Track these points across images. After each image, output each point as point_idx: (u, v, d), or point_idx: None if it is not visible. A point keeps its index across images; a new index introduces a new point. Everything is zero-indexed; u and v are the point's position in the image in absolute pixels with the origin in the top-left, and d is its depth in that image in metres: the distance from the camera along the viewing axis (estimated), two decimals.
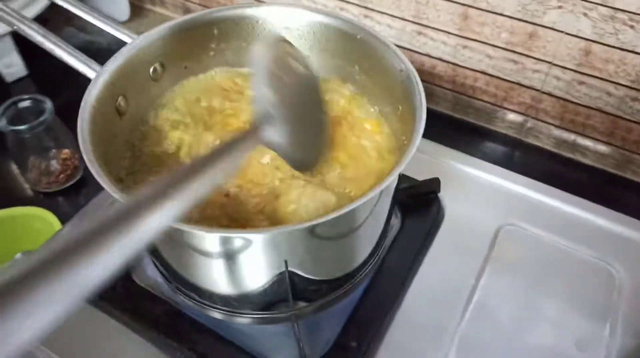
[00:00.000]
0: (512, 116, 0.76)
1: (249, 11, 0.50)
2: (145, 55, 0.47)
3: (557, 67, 0.68)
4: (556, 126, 0.73)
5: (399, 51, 0.45)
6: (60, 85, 0.77)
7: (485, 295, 0.52)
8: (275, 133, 0.36)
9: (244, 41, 0.51)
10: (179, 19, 0.48)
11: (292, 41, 0.51)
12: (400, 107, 0.46)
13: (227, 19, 0.49)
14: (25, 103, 0.70)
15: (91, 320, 0.50)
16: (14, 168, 0.73)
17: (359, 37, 0.48)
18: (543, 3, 0.63)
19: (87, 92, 0.41)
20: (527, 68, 0.70)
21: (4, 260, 0.65)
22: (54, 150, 0.72)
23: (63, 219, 0.65)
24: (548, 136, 0.75)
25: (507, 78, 0.72)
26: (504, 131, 0.78)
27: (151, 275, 0.52)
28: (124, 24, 0.99)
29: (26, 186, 0.73)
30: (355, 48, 0.49)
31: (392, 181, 0.38)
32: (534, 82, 0.71)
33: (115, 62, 0.44)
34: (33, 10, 0.81)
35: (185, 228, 0.34)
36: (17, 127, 0.67)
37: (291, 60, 0.40)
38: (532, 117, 0.74)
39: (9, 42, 0.83)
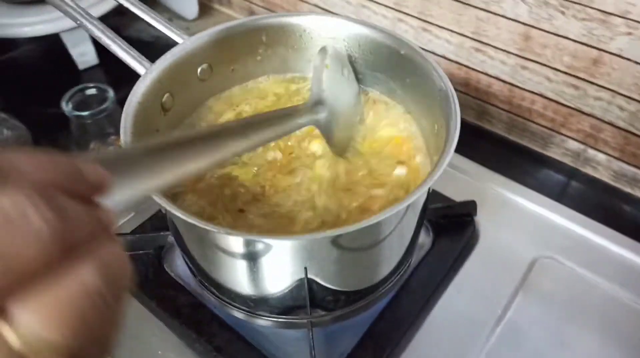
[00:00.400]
0: (569, 143, 0.72)
1: (296, 20, 0.51)
2: (194, 56, 0.49)
3: (622, 97, 0.64)
4: (616, 158, 0.69)
5: (440, 70, 0.44)
6: (125, 76, 0.82)
7: (511, 327, 0.50)
8: (322, 115, 0.45)
9: (291, 48, 0.52)
10: (229, 23, 0.50)
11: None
12: (436, 126, 0.45)
13: (274, 26, 0.51)
14: (91, 91, 0.75)
15: None
16: (75, 151, 0.78)
17: (402, 52, 0.47)
18: (611, 29, 0.60)
19: (134, 88, 0.44)
20: (589, 95, 0.66)
21: None
22: (112, 137, 0.76)
23: None
24: (607, 167, 0.71)
25: (567, 103, 0.69)
26: (559, 158, 0.75)
27: (180, 266, 0.54)
28: (192, 21, 1.03)
29: None
30: (398, 63, 0.48)
31: (418, 197, 0.38)
32: (595, 110, 0.67)
33: (164, 61, 0.46)
34: (100, 10, 0.86)
35: (210, 227, 0.35)
36: (80, 113, 0.72)
37: (344, 68, 0.50)
38: (591, 147, 0.71)
39: (84, 32, 0.88)
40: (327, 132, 0.46)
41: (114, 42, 0.46)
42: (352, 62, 0.52)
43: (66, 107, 0.72)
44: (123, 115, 0.42)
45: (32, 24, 0.85)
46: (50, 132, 0.83)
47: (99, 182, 0.19)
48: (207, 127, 0.47)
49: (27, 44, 0.99)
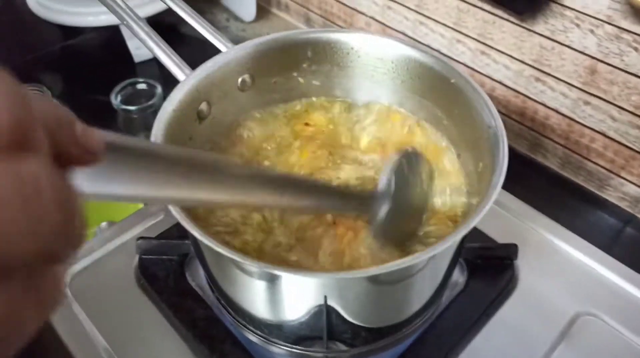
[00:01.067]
0: (628, 188, 0.67)
1: (344, 37, 0.48)
2: (236, 65, 0.47)
3: None
4: None
5: (491, 105, 0.41)
6: None
7: None
8: (379, 212, 0.40)
9: (336, 66, 0.50)
10: (275, 35, 0.48)
11: (383, 73, 0.50)
12: (480, 164, 0.42)
13: (321, 41, 0.49)
14: (141, 86, 0.76)
15: (138, 304, 0.52)
16: None
17: (452, 81, 0.44)
18: None
19: (171, 95, 0.43)
20: None
21: (91, 226, 0.71)
22: None
23: None
24: None
25: (630, 145, 0.64)
26: (616, 202, 0.70)
27: (202, 276, 0.53)
28: (249, 24, 1.03)
29: None
30: (447, 92, 0.45)
31: (452, 244, 0.35)
32: None
33: (204, 69, 0.45)
34: (149, 10, 0.87)
35: (226, 252, 0.34)
36: (127, 107, 0.72)
37: (421, 172, 0.45)
38: None
39: None
40: (375, 231, 0.42)
41: (158, 45, 0.45)
42: (399, 85, 0.50)
43: (115, 100, 0.73)
44: (155, 122, 0.41)
45: (96, 14, 0.88)
46: (97, 122, 0.84)
47: (87, 150, 0.18)
48: (241, 164, 0.42)
49: (88, 32, 1.02)
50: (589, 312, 0.51)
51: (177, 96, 0.43)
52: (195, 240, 0.44)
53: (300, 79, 0.51)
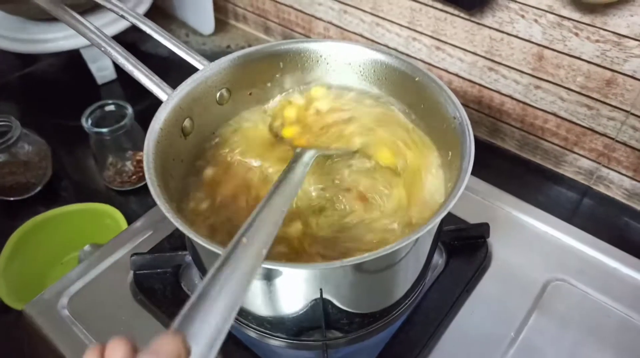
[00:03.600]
0: (582, 162, 0.73)
1: (314, 46, 0.52)
2: (213, 81, 0.50)
3: (635, 117, 0.64)
4: (629, 178, 0.70)
5: (455, 98, 0.45)
6: (144, 91, 0.83)
7: (525, 349, 0.51)
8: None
9: (307, 74, 0.53)
10: (248, 49, 0.51)
11: (353, 77, 0.53)
12: (450, 153, 0.46)
13: (292, 51, 0.52)
14: (110, 107, 0.76)
15: (138, 319, 0.53)
16: (93, 165, 0.80)
17: (417, 79, 0.48)
18: (625, 50, 0.61)
19: (156, 114, 0.45)
20: (602, 115, 0.67)
21: (76, 249, 0.71)
22: (130, 152, 0.78)
23: (130, 217, 0.71)
24: (619, 186, 0.71)
25: (580, 123, 0.70)
26: (572, 176, 0.75)
27: (198, 284, 0.55)
28: (208, 37, 1.05)
29: (102, 182, 0.79)
30: (412, 89, 0.49)
31: (433, 226, 0.38)
32: (608, 130, 0.68)
33: (185, 88, 0.47)
34: (114, 29, 0.87)
35: (218, 249, 0.36)
36: (99, 130, 0.73)
37: None
38: (604, 166, 0.71)
39: None
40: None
41: (136, 68, 0.47)
42: (368, 87, 0.53)
43: (86, 124, 0.74)
44: (146, 141, 0.43)
45: (54, 40, 0.87)
46: (69, 145, 0.85)
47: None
48: None
49: (47, 58, 1.01)
50: (558, 278, 0.56)
51: (162, 115, 0.45)
52: (192, 247, 0.46)
53: (273, 87, 0.54)
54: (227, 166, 0.50)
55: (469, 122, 0.43)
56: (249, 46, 0.82)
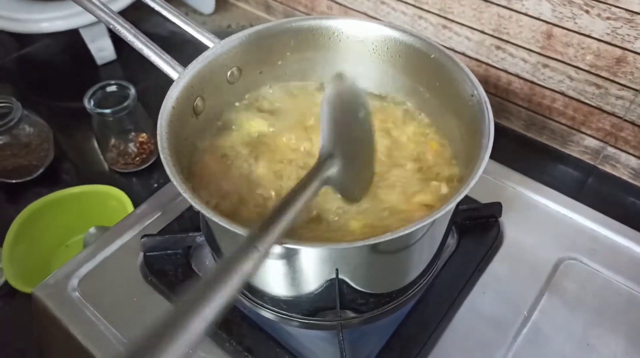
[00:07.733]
0: (588, 141, 0.73)
1: (326, 23, 0.51)
2: (224, 59, 0.49)
3: None
4: (636, 157, 0.70)
5: (472, 75, 0.45)
6: (144, 71, 0.82)
7: (537, 328, 0.51)
8: (333, 170, 0.38)
9: (319, 52, 0.53)
10: (259, 27, 0.50)
11: (366, 55, 0.53)
12: (464, 131, 0.45)
13: (304, 29, 0.51)
14: (112, 88, 0.75)
15: (149, 300, 0.53)
16: (95, 147, 0.79)
17: (432, 56, 0.48)
18: (636, 28, 0.60)
19: (168, 94, 0.44)
20: (611, 94, 0.67)
21: (80, 232, 0.71)
22: (133, 133, 0.77)
23: (135, 199, 0.70)
24: (626, 166, 0.71)
25: (588, 102, 0.69)
26: (578, 156, 0.75)
27: (209, 266, 0.55)
28: (208, 16, 1.03)
29: (105, 164, 0.78)
30: (427, 67, 0.48)
31: (449, 209, 0.38)
32: (617, 109, 0.67)
33: (196, 66, 0.46)
34: (120, 4, 0.86)
35: (239, 230, 0.36)
36: (101, 110, 0.72)
37: (360, 107, 0.41)
38: (611, 145, 0.71)
39: (102, 27, 0.88)
40: (339, 187, 0.39)
41: (147, 46, 0.46)
42: (380, 64, 0.52)
43: (88, 104, 0.72)
44: (159, 119, 0.42)
45: (50, 20, 0.85)
46: (70, 127, 0.84)
47: None
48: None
49: (44, 39, 0.99)
50: (570, 256, 0.56)
51: (174, 93, 0.44)
52: (208, 227, 0.45)
53: (285, 65, 0.53)
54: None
55: (487, 99, 0.43)
56: (250, 25, 0.81)
